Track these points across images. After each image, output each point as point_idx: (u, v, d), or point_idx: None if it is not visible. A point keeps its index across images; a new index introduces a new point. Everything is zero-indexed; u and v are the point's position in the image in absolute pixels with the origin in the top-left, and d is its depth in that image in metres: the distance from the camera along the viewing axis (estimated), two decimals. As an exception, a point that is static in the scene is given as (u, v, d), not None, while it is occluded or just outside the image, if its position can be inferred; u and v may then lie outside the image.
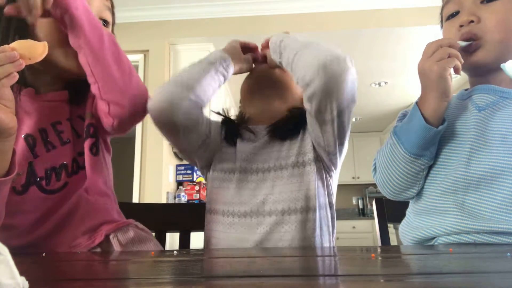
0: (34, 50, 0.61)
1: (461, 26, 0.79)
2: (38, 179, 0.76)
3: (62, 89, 0.83)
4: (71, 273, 0.48)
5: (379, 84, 4.36)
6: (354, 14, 3.01)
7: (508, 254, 0.50)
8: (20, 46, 0.60)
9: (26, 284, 0.26)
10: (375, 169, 0.88)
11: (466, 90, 0.86)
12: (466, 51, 0.78)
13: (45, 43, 0.63)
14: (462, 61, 0.73)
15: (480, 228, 0.70)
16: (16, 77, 0.59)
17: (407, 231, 0.83)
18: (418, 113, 0.76)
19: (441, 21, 0.91)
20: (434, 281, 0.35)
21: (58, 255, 0.65)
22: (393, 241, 1.11)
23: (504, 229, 0.68)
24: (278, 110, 0.93)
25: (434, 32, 2.96)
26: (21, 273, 0.26)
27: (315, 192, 0.83)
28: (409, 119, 0.79)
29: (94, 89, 0.75)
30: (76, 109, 0.84)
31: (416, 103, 0.78)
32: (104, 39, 0.75)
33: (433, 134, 0.75)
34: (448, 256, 0.55)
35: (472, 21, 0.78)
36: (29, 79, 0.78)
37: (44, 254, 0.63)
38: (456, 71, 0.73)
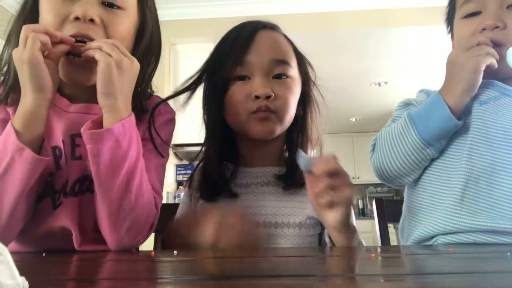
0: None
1: (484, 29, 0.77)
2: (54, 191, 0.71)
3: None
4: (71, 273, 0.48)
5: (379, 84, 4.36)
6: (354, 14, 3.01)
7: (508, 254, 0.50)
8: None
9: (26, 284, 0.26)
10: (373, 149, 0.87)
11: None
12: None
13: None
14: (498, 57, 0.73)
15: (478, 227, 0.70)
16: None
17: (405, 228, 0.83)
18: (443, 103, 0.74)
19: (447, 17, 0.89)
20: (434, 281, 0.35)
21: (58, 255, 0.65)
22: (393, 241, 1.10)
23: (502, 228, 0.68)
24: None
25: (434, 32, 2.97)
26: (21, 273, 0.26)
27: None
28: (429, 107, 0.77)
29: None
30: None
31: (439, 92, 0.77)
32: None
33: (452, 125, 0.74)
34: (448, 256, 0.55)
35: (497, 27, 0.75)
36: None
37: (44, 254, 0.63)
38: (492, 67, 0.73)
